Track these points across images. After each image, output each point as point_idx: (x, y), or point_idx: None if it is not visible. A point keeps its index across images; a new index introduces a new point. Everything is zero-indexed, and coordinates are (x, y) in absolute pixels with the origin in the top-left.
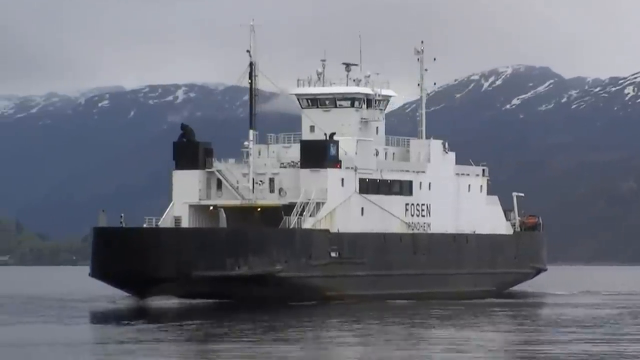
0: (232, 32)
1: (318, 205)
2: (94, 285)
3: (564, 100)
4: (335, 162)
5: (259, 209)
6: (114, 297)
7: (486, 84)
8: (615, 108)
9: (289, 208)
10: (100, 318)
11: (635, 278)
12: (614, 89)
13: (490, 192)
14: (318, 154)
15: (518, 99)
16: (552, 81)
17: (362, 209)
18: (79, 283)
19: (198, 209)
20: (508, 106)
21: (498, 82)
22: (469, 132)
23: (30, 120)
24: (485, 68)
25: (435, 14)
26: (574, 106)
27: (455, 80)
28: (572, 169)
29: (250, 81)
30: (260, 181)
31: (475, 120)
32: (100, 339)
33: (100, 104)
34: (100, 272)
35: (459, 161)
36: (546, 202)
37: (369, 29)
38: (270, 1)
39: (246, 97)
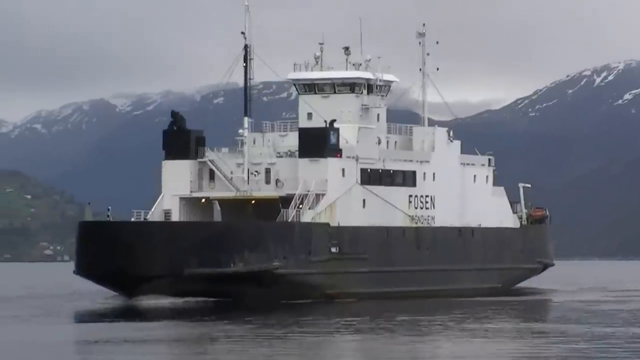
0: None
1: (317, 197)
2: None
3: None
4: (336, 151)
5: (254, 202)
6: (97, 296)
7: (598, 80)
8: None
9: (286, 200)
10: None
11: None
12: None
13: (496, 182)
14: (317, 143)
15: (630, 94)
16: None
17: (364, 201)
18: None
19: (189, 202)
20: (620, 101)
21: (610, 78)
22: (581, 128)
23: (147, 117)
24: (597, 64)
25: None
26: None
27: (567, 76)
28: None
29: (245, 65)
30: (256, 172)
31: (588, 116)
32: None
33: (215, 101)
34: (86, 269)
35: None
36: None
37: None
38: None
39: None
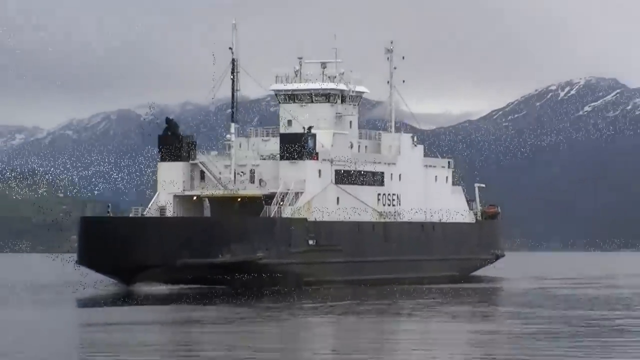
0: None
1: (297, 195)
2: None
3: (629, 107)
4: (313, 155)
5: (240, 199)
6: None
7: (562, 93)
8: None
9: (269, 198)
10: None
11: None
12: None
13: (455, 182)
14: (297, 147)
15: (589, 106)
16: (618, 90)
17: (338, 198)
18: None
19: (182, 199)
20: (581, 113)
21: (572, 92)
22: (548, 137)
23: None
24: (561, 79)
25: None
26: (638, 112)
27: (536, 90)
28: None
29: (232, 77)
30: (242, 172)
31: (554, 126)
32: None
33: (227, 111)
34: (88, 260)
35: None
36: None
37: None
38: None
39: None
